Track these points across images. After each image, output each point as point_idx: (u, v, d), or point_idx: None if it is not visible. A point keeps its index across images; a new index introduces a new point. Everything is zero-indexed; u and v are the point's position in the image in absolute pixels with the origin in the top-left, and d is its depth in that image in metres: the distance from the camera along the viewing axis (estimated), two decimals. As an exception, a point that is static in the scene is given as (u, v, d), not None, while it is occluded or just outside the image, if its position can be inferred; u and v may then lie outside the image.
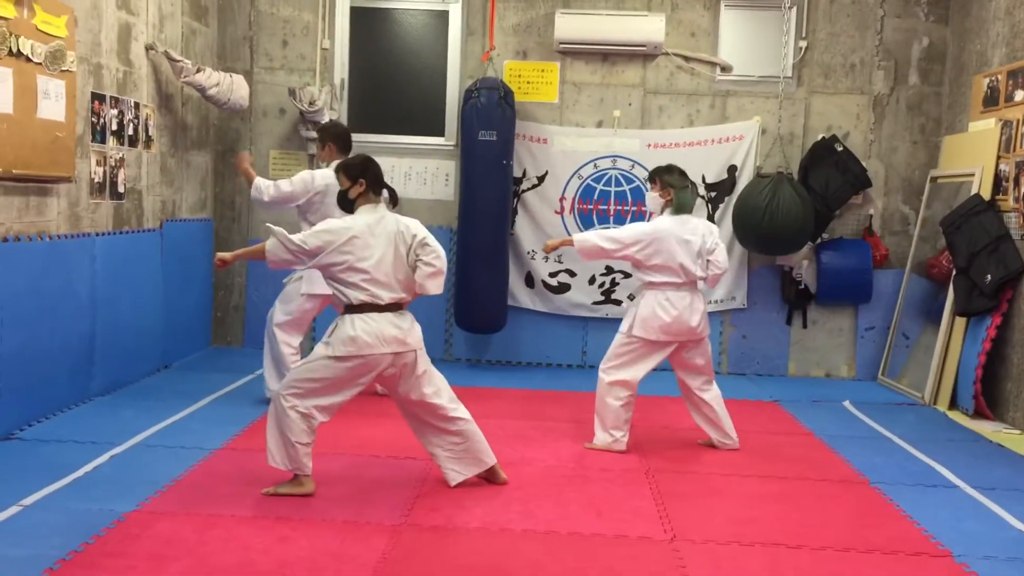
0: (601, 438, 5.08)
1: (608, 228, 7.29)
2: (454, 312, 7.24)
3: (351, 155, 5.20)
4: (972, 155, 6.68)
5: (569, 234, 7.37)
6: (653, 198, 5.15)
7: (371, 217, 4.14)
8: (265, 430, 4.17)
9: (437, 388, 4.25)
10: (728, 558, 3.66)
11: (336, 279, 4.09)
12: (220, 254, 4.31)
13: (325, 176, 5.52)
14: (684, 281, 5.00)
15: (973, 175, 6.56)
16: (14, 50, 4.61)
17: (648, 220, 5.40)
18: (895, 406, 6.55)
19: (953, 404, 6.43)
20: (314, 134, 7.28)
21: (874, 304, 7.47)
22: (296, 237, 4.09)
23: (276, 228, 4.14)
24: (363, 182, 4.18)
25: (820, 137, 7.29)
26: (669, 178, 5.07)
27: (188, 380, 6.36)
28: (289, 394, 4.05)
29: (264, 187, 5.59)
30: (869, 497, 4.49)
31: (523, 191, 7.40)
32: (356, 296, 4.05)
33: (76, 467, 4.34)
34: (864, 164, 7.26)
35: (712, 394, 5.17)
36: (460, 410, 4.30)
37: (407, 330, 4.12)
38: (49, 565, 3.26)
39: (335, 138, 5.75)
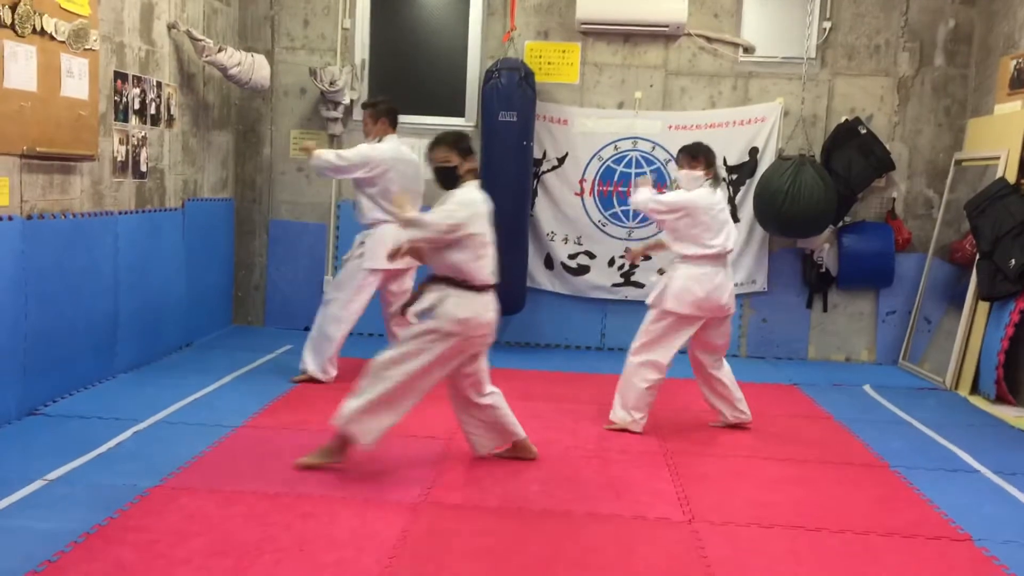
0: (620, 416, 5.09)
1: (641, 214, 7.31)
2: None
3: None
4: (998, 138, 6.61)
5: (588, 216, 7.37)
6: (692, 176, 5.05)
7: (480, 195, 4.23)
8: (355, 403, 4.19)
9: (484, 363, 4.37)
10: (747, 540, 3.67)
11: (467, 251, 4.13)
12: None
13: (387, 152, 5.66)
14: (718, 254, 5.01)
15: (998, 158, 6.49)
16: (38, 28, 4.64)
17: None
18: (916, 391, 6.51)
19: (975, 389, 6.39)
20: (335, 113, 7.31)
21: (896, 288, 7.42)
22: (440, 216, 4.10)
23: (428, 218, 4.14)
24: (472, 158, 4.25)
25: (843, 119, 7.23)
26: (710, 156, 5.07)
27: (210, 358, 6.41)
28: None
29: (325, 158, 5.60)
30: (889, 481, 4.48)
31: (543, 172, 7.38)
32: (482, 275, 4.17)
33: (100, 443, 4.39)
34: (888, 147, 7.19)
35: (725, 370, 5.20)
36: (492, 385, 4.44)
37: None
38: (74, 539, 3.30)
39: (388, 113, 5.80)
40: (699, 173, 5.02)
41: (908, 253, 7.37)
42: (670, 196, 5.17)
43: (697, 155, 5.05)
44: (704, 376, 5.22)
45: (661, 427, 5.22)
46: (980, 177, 6.72)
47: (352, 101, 7.39)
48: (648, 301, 5.13)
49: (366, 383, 4.17)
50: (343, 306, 5.74)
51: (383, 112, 5.79)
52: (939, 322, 6.98)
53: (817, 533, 3.76)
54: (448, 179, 4.22)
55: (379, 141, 5.73)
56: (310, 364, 5.80)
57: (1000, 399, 6.13)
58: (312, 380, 5.78)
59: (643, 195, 5.18)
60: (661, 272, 5.47)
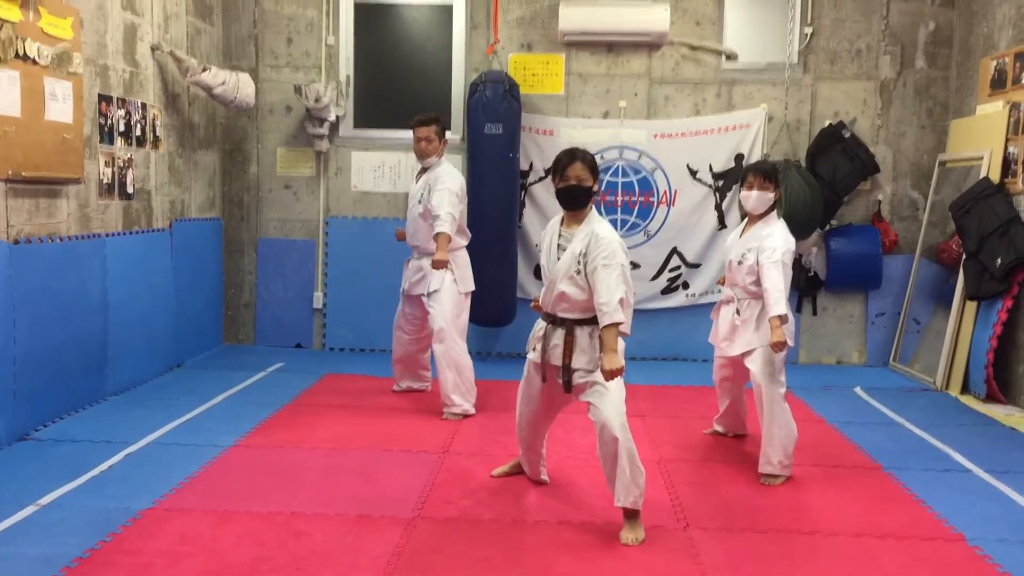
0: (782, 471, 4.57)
1: (630, 223, 7.34)
2: (464, 306, 7.24)
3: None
4: (980, 138, 6.65)
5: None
6: (765, 198, 4.61)
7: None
8: None
9: None
10: (742, 545, 3.67)
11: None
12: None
13: (458, 179, 5.60)
14: None
15: (982, 158, 6.54)
16: (20, 53, 4.64)
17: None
18: (907, 391, 6.53)
19: (965, 388, 6.42)
20: (321, 130, 7.31)
21: (884, 290, 7.45)
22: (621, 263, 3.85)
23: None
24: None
25: (827, 124, 7.27)
26: (778, 175, 4.70)
27: (200, 378, 6.39)
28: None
29: (448, 227, 5.37)
30: (882, 482, 4.49)
31: (530, 184, 7.40)
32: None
33: (92, 466, 4.37)
34: (872, 150, 7.24)
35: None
36: None
37: None
38: (66, 563, 3.29)
39: (444, 131, 5.70)
40: (771, 195, 4.61)
41: (895, 255, 7.40)
42: (783, 248, 4.53)
43: (772, 175, 4.64)
44: (735, 390, 5.06)
45: (653, 435, 5.23)
46: (964, 178, 6.77)
47: (338, 118, 7.40)
48: (737, 352, 4.67)
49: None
50: (461, 332, 5.58)
51: (442, 130, 5.67)
52: (928, 323, 7.01)
53: (811, 536, 3.77)
54: (583, 200, 3.87)
55: (439, 161, 5.62)
56: (464, 403, 5.51)
57: (990, 398, 6.16)
58: (465, 416, 5.51)
59: (781, 282, 4.46)
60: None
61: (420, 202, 5.58)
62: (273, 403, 5.71)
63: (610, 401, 3.72)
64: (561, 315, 3.87)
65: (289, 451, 4.75)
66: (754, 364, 4.57)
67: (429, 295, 5.52)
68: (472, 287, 5.70)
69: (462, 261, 5.66)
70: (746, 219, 4.84)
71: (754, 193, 4.63)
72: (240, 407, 5.64)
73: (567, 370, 3.83)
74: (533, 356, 4.02)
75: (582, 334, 3.83)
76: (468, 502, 4.07)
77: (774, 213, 4.69)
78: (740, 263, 4.66)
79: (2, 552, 3.39)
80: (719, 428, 5.28)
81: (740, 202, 4.75)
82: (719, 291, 5.20)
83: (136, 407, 5.53)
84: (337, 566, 3.36)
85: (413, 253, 5.77)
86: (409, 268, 5.79)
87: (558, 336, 3.88)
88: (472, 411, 5.51)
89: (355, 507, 3.96)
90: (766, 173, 4.65)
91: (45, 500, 3.91)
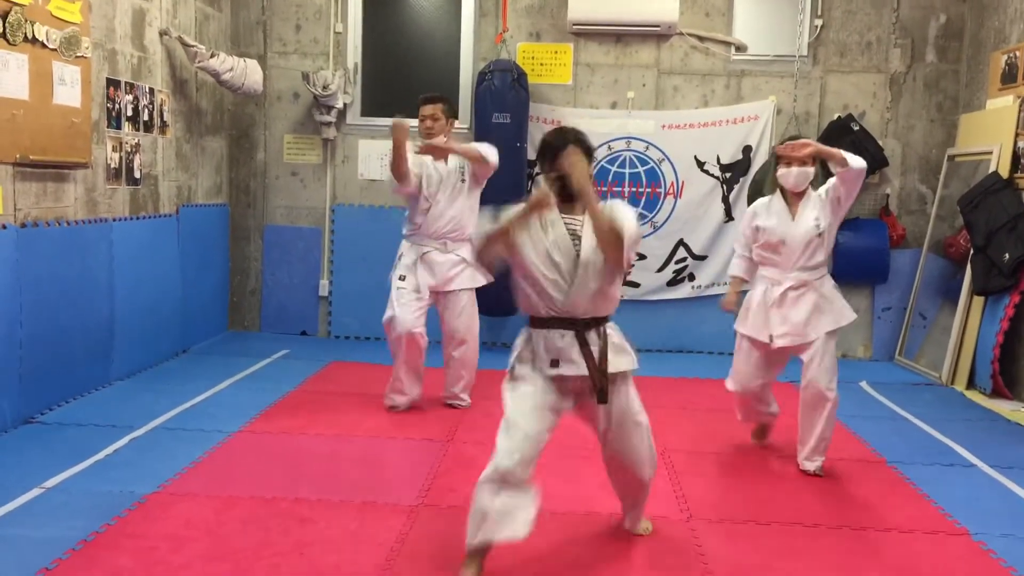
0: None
1: (636, 214, 7.31)
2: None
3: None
4: (990, 133, 6.62)
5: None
6: (806, 174, 4.41)
7: None
8: None
9: None
10: (744, 537, 3.67)
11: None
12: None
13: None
14: None
15: (991, 153, 6.51)
16: (29, 36, 4.63)
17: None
18: (912, 386, 6.52)
19: (971, 384, 6.41)
20: (329, 117, 7.31)
21: (891, 284, 7.43)
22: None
23: None
24: None
25: (836, 116, 7.25)
26: None
27: (206, 364, 6.41)
28: None
29: (489, 156, 5.18)
30: (887, 476, 4.48)
31: (537, 174, 7.36)
32: None
33: (97, 450, 4.39)
34: (881, 143, 7.21)
35: None
36: None
37: None
38: (71, 546, 3.30)
39: (452, 112, 5.45)
40: (811, 170, 4.41)
41: (902, 249, 7.38)
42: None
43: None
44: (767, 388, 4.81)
45: (658, 425, 5.21)
46: (973, 172, 6.74)
47: (345, 105, 7.39)
48: (824, 331, 4.43)
49: None
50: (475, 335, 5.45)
51: (451, 109, 5.40)
52: (934, 317, 6.99)
53: (815, 529, 3.77)
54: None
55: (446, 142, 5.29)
56: (468, 398, 5.53)
57: (996, 393, 6.14)
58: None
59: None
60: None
61: (463, 180, 5.26)
62: (278, 390, 5.72)
63: (635, 393, 3.46)
64: (593, 316, 3.29)
65: (294, 437, 4.76)
66: (817, 355, 4.39)
67: (469, 289, 5.31)
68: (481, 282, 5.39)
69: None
70: (769, 199, 4.59)
71: (794, 170, 4.38)
72: (245, 393, 5.65)
73: (603, 375, 3.25)
74: (559, 370, 3.26)
75: (613, 332, 3.37)
76: (472, 490, 4.05)
77: (810, 188, 4.48)
78: (808, 243, 4.38)
79: (7, 534, 3.40)
80: (761, 437, 4.96)
81: (777, 181, 4.47)
82: (728, 282, 5.10)
83: (141, 392, 5.54)
84: (341, 552, 3.36)
85: (431, 245, 5.28)
86: (428, 261, 5.26)
87: (592, 341, 3.29)
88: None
89: (359, 494, 3.96)
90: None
91: (50, 483, 3.92)
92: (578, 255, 3.23)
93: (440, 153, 5.18)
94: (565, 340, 3.25)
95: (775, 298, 4.47)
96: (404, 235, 5.40)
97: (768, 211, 4.55)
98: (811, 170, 4.38)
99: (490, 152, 5.18)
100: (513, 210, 3.23)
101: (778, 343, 4.47)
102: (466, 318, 5.33)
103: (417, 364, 5.28)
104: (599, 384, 3.24)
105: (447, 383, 5.50)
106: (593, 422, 3.41)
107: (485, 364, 5.64)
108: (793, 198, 4.48)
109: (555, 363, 3.25)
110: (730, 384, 4.74)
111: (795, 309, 4.43)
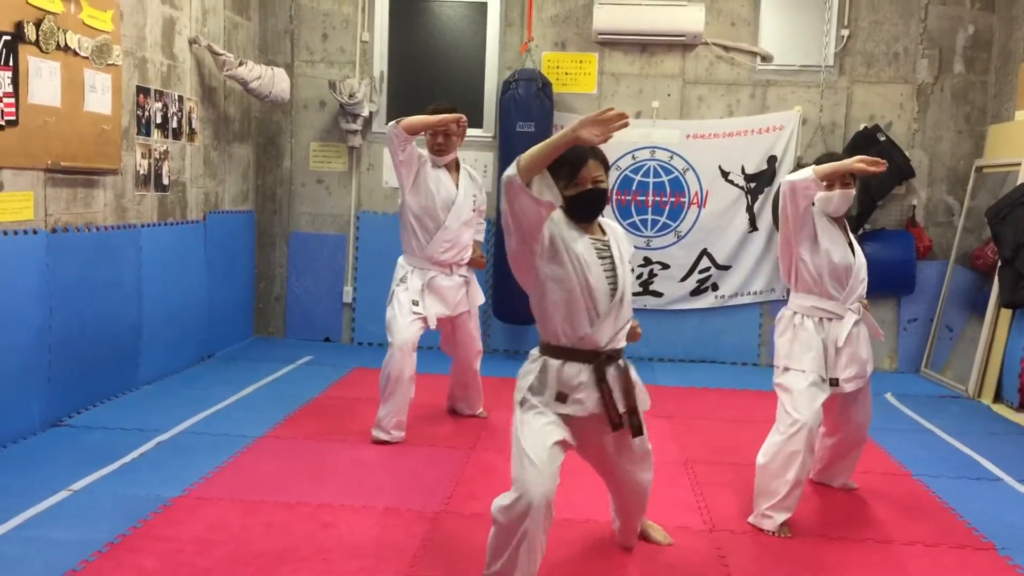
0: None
1: (660, 223, 7.33)
2: (492, 304, 7.27)
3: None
4: (1019, 144, 6.56)
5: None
6: (848, 196, 3.99)
7: None
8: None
9: None
10: (768, 548, 3.65)
11: None
12: None
13: None
14: None
15: (1019, 165, 6.45)
16: (62, 44, 4.71)
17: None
18: (938, 399, 6.47)
19: (998, 397, 6.34)
20: (355, 126, 7.36)
21: (917, 296, 7.37)
22: None
23: None
24: None
25: (862, 127, 7.21)
26: None
27: (231, 369, 6.45)
28: None
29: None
30: (912, 489, 4.45)
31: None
32: None
33: (124, 453, 4.43)
34: (907, 154, 7.16)
35: None
36: None
37: None
38: (98, 548, 3.34)
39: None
40: (853, 192, 4.04)
41: (929, 260, 7.32)
42: None
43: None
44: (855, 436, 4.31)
45: (680, 436, 5.21)
46: (1001, 184, 6.68)
47: (371, 113, 7.44)
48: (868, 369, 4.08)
49: None
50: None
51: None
52: (961, 330, 6.93)
53: (839, 542, 3.75)
54: (603, 207, 3.14)
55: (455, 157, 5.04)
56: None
57: (1023, 407, 6.08)
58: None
59: None
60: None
61: (470, 205, 5.04)
62: (302, 395, 5.76)
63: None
64: (614, 347, 3.09)
65: (317, 443, 4.79)
66: (865, 394, 4.11)
67: (471, 312, 5.17)
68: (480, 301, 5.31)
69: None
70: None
71: (837, 193, 3.92)
72: (270, 399, 5.68)
73: (633, 414, 3.10)
74: (578, 409, 3.05)
75: (631, 365, 3.18)
76: (493, 497, 4.06)
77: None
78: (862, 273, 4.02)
79: (35, 536, 3.44)
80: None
81: (820, 204, 3.97)
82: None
83: (168, 396, 5.59)
84: (363, 558, 3.38)
85: (432, 269, 4.95)
86: (436, 288, 4.95)
87: (614, 376, 3.08)
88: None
89: (382, 500, 3.98)
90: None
91: (77, 486, 3.97)
92: (615, 285, 3.02)
93: (479, 265, 5.19)
94: (583, 376, 3.03)
95: (843, 336, 3.93)
96: (406, 253, 5.03)
97: (826, 234, 3.98)
98: (853, 192, 3.99)
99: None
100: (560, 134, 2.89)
101: (847, 388, 3.97)
102: (477, 330, 5.26)
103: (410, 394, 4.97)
104: (616, 420, 3.04)
105: (472, 401, 5.44)
106: (599, 457, 3.26)
107: (506, 372, 5.64)
108: (835, 223, 4.04)
109: (564, 397, 3.04)
110: (794, 427, 3.82)
111: (860, 347, 4.00)
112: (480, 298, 5.24)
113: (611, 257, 3.06)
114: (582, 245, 3.00)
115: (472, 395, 5.41)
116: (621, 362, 3.09)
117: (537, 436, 2.99)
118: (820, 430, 4.01)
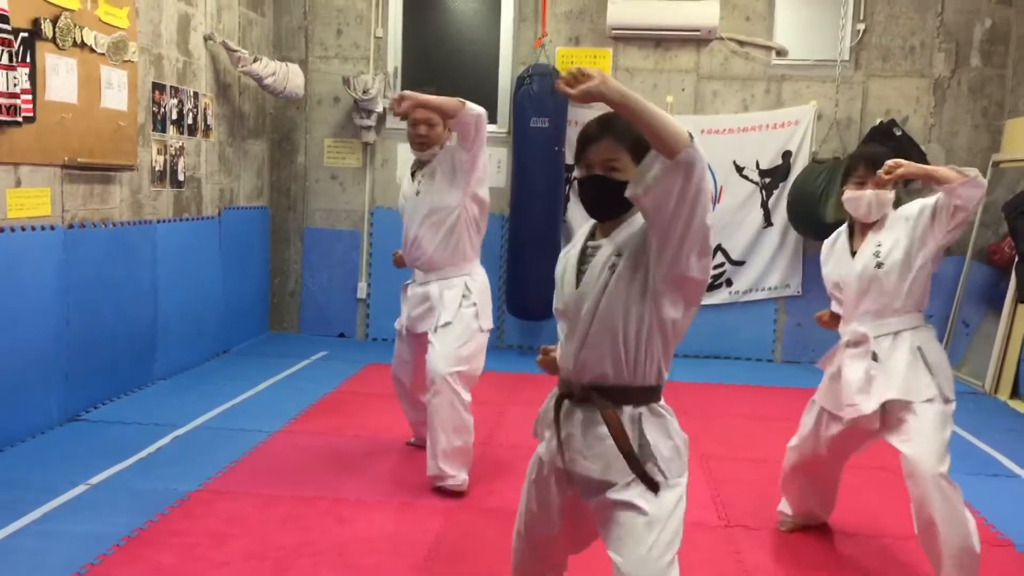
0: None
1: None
2: (506, 299, 7.27)
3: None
4: (1036, 139, 6.52)
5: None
6: (883, 200, 3.40)
7: None
8: None
9: None
10: (783, 545, 3.65)
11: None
12: None
13: None
14: None
15: (1037, 159, 6.41)
16: (78, 41, 4.73)
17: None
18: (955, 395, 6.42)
19: (1015, 393, 6.30)
20: (369, 122, 7.37)
21: (933, 291, 7.13)
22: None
23: None
24: None
25: (878, 121, 7.17)
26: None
27: (246, 364, 6.48)
28: None
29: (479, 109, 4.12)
30: (928, 486, 4.42)
31: (575, 178, 7.37)
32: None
33: (140, 448, 4.46)
34: (924, 149, 7.12)
35: None
36: None
37: None
38: (115, 542, 3.36)
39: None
40: (891, 196, 3.46)
41: (945, 256, 7.26)
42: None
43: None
44: (835, 470, 3.80)
45: (697, 432, 5.19)
46: (1018, 178, 6.64)
47: (385, 109, 7.45)
48: (916, 398, 3.44)
49: None
50: (470, 382, 4.18)
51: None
52: (977, 326, 6.89)
53: (854, 538, 3.74)
54: (612, 206, 2.39)
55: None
56: (458, 473, 4.07)
57: (1041, 403, 6.05)
58: (458, 492, 4.10)
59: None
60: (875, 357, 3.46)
61: (418, 194, 4.14)
62: (317, 391, 5.78)
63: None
64: (589, 383, 2.23)
65: (333, 438, 4.80)
66: (909, 432, 3.29)
67: (437, 330, 4.05)
68: (491, 324, 4.22)
69: (481, 281, 4.20)
70: (836, 236, 3.60)
71: (868, 194, 3.33)
72: (285, 394, 5.70)
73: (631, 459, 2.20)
74: (546, 452, 2.39)
75: (628, 415, 2.22)
76: (508, 492, 4.08)
77: (888, 211, 3.42)
78: (868, 282, 3.41)
79: (53, 530, 3.47)
80: (792, 516, 3.79)
81: (843, 205, 3.50)
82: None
83: (184, 391, 5.62)
84: (379, 553, 3.39)
85: (414, 275, 4.29)
86: (409, 296, 4.29)
87: (578, 421, 2.26)
88: (465, 486, 4.07)
89: (397, 495, 3.99)
90: (879, 164, 3.31)
91: (95, 480, 3.99)
92: (579, 298, 2.23)
93: (409, 108, 3.98)
94: (550, 411, 2.34)
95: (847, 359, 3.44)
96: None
97: (832, 251, 3.61)
98: (891, 195, 3.37)
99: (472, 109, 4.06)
100: None
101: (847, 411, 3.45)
102: (438, 360, 4.03)
103: (412, 418, 4.65)
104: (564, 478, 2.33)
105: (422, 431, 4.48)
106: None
107: (520, 368, 5.66)
108: (861, 228, 3.49)
109: (540, 433, 2.46)
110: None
111: (859, 374, 3.40)
112: (443, 318, 4.06)
113: (590, 265, 2.29)
114: (578, 248, 2.42)
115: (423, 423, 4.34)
116: (611, 410, 2.19)
117: (522, 498, 2.50)
118: (823, 446, 3.65)
